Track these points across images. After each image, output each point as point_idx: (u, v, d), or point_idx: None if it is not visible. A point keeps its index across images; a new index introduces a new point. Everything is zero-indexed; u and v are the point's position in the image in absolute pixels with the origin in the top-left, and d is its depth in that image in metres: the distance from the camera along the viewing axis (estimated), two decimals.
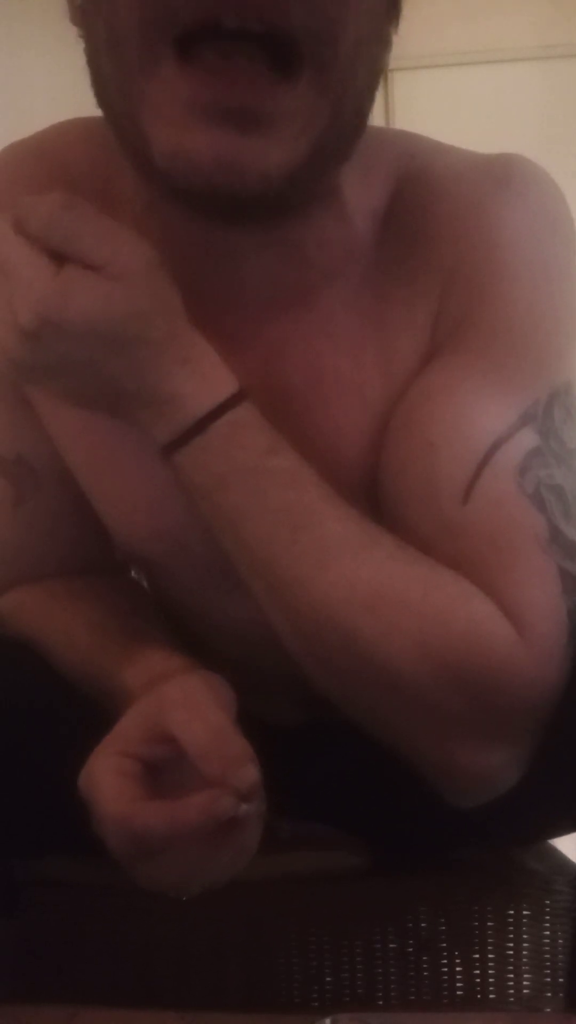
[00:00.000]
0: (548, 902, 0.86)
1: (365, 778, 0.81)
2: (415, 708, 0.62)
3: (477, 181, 0.67)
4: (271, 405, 0.64)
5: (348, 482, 0.64)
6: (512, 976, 0.86)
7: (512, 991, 0.86)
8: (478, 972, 0.86)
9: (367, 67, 0.59)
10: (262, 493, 0.62)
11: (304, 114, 0.56)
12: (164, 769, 0.59)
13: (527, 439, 0.63)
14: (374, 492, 0.67)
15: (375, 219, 0.68)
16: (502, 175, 0.67)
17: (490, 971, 0.86)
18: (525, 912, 0.86)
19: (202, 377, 0.62)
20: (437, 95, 3.09)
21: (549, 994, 0.86)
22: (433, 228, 0.67)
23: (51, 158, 0.70)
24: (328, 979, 0.86)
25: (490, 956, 0.86)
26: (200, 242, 0.65)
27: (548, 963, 0.86)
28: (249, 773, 0.56)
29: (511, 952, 0.86)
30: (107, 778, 0.57)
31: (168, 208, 0.63)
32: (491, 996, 0.86)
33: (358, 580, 0.61)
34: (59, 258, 0.58)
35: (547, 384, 0.65)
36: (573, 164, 2.79)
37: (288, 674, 0.79)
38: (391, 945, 0.86)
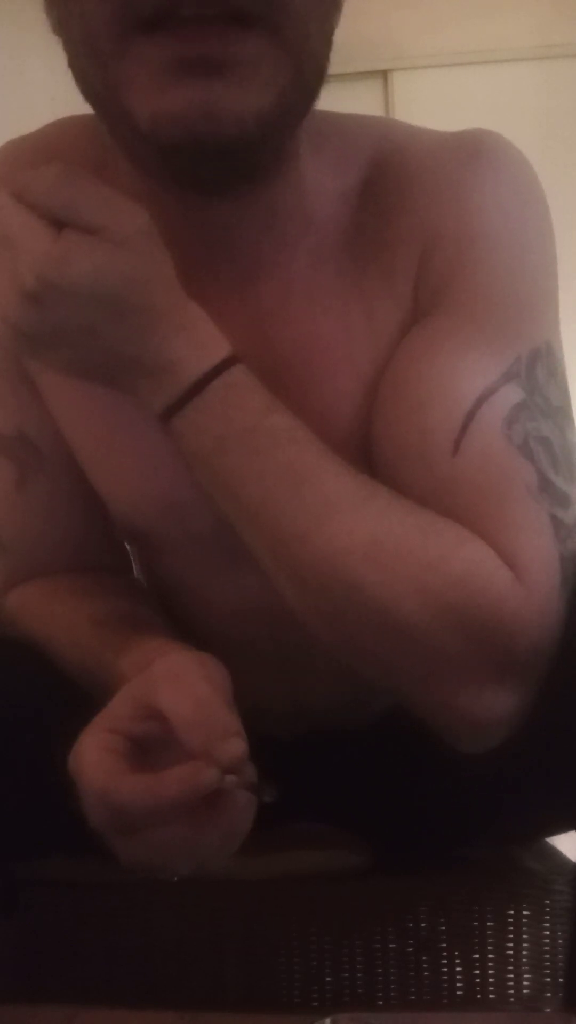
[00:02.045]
0: (548, 902, 0.86)
1: (365, 780, 0.82)
2: (418, 653, 0.63)
3: (449, 154, 0.70)
4: (262, 373, 0.66)
5: (340, 445, 0.65)
6: (512, 976, 0.86)
7: (512, 991, 0.86)
8: (478, 972, 0.86)
9: (319, 26, 0.62)
10: (260, 452, 0.64)
11: (267, 66, 0.59)
12: (158, 751, 0.58)
13: (512, 394, 0.65)
14: (366, 455, 0.68)
15: (352, 193, 0.71)
16: (473, 148, 0.70)
17: (490, 971, 0.86)
18: (525, 912, 0.86)
19: (196, 343, 0.64)
20: (437, 95, 3.08)
21: (549, 994, 0.86)
22: (409, 199, 0.69)
23: (50, 152, 0.72)
24: (328, 979, 0.86)
25: (490, 956, 0.86)
26: (190, 223, 0.67)
27: (548, 963, 0.86)
28: (233, 746, 0.56)
29: (511, 952, 0.86)
30: (91, 753, 0.57)
31: (160, 193, 0.65)
32: (491, 996, 0.86)
33: (358, 531, 0.63)
34: (59, 225, 0.60)
35: (527, 343, 0.67)
36: (573, 164, 2.80)
37: (287, 671, 0.79)
38: (391, 945, 0.86)
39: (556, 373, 0.68)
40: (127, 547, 0.86)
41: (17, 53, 2.50)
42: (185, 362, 0.64)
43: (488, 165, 0.69)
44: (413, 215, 0.69)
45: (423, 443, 0.65)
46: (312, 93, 0.64)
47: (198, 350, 0.64)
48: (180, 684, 0.59)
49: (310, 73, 0.62)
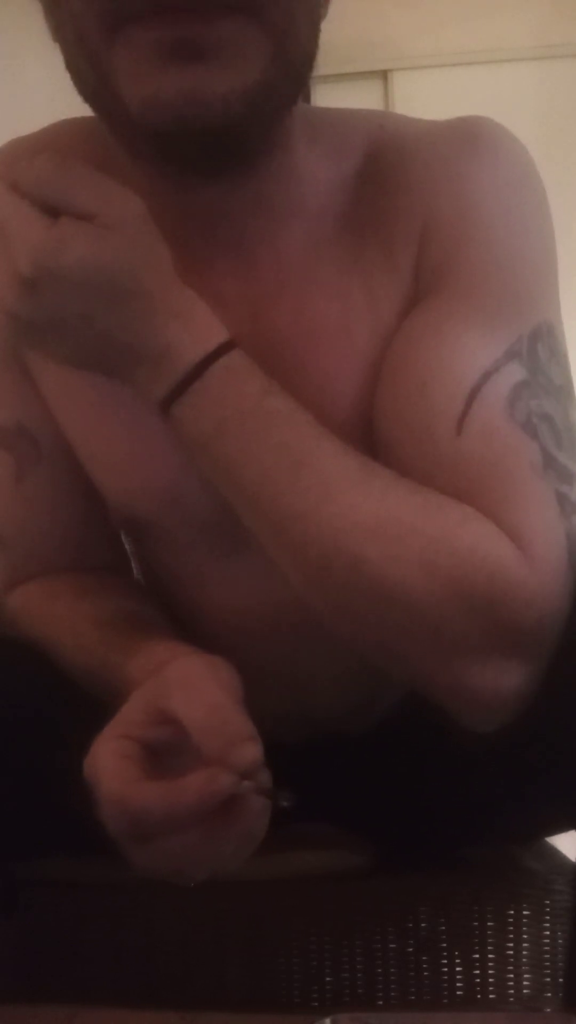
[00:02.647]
0: (548, 902, 0.86)
1: (367, 782, 0.82)
2: (424, 631, 0.63)
3: (446, 141, 0.71)
4: (262, 356, 0.66)
5: (341, 426, 0.66)
6: (512, 976, 0.86)
7: (512, 991, 0.86)
8: (478, 972, 0.86)
9: (305, 10, 0.63)
10: (260, 435, 0.64)
11: (251, 48, 0.60)
12: (171, 755, 0.58)
13: (514, 372, 0.66)
14: (367, 437, 0.68)
15: (349, 182, 0.72)
16: (469, 134, 0.71)
17: (490, 971, 0.86)
18: (525, 912, 0.86)
19: (193, 329, 0.65)
20: (437, 95, 3.07)
21: (549, 994, 0.86)
22: (406, 185, 0.70)
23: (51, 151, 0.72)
24: (328, 979, 0.86)
25: (490, 956, 0.86)
26: (186, 211, 0.68)
27: (548, 963, 0.86)
28: (248, 751, 0.56)
29: (511, 952, 0.86)
30: (108, 760, 0.57)
31: (158, 184, 0.66)
32: (491, 996, 0.86)
33: (361, 509, 0.63)
34: (55, 213, 0.61)
35: (528, 322, 0.67)
36: (573, 164, 2.80)
37: (289, 674, 0.79)
38: (391, 945, 0.86)
39: (557, 352, 0.68)
40: (126, 547, 0.86)
41: (16, 55, 2.51)
42: (182, 348, 0.64)
43: (485, 150, 0.70)
44: (411, 200, 0.69)
45: (426, 423, 0.65)
46: (299, 78, 0.65)
47: (194, 336, 0.64)
48: (193, 689, 0.59)
49: (295, 57, 0.63)
